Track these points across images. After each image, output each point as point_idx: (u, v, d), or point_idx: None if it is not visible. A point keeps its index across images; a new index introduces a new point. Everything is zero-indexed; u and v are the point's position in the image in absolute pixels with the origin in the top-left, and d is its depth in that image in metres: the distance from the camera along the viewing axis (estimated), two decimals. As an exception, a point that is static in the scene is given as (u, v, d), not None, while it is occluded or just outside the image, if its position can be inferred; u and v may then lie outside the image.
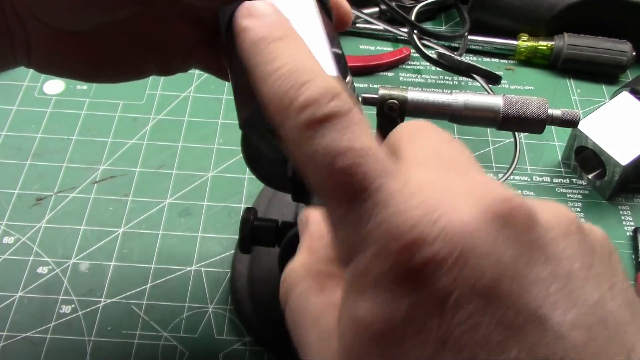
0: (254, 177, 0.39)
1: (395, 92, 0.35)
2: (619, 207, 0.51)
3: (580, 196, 0.52)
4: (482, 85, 0.56)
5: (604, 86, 0.60)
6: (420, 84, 0.60)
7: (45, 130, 0.54)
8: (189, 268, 0.46)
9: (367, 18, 0.61)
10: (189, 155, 0.53)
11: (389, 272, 0.16)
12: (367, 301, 0.17)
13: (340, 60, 0.25)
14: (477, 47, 0.63)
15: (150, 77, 0.59)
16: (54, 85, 0.57)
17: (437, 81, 0.60)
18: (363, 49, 0.63)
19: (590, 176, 0.52)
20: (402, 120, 0.36)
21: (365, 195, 0.17)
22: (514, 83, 0.60)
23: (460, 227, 0.16)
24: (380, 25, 0.62)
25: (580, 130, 0.50)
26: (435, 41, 0.59)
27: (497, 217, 0.16)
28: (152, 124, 0.55)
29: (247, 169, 0.38)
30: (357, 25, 0.63)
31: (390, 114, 0.36)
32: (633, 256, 0.48)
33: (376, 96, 0.35)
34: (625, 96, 0.52)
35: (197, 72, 0.59)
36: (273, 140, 0.26)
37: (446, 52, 0.57)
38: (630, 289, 0.18)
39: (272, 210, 0.46)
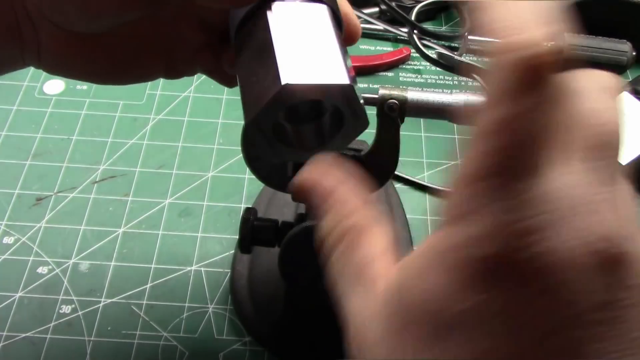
0: (254, 177, 0.39)
1: (395, 92, 0.35)
2: (619, 207, 0.51)
3: (580, 196, 0.52)
4: (482, 85, 0.56)
5: (604, 86, 0.60)
6: (420, 84, 0.60)
7: (45, 130, 0.54)
8: (189, 268, 0.46)
9: (367, 18, 0.61)
10: (189, 155, 0.53)
11: (486, 259, 0.16)
12: (441, 275, 0.17)
13: (350, 71, 0.25)
14: (477, 47, 0.63)
15: (150, 77, 0.59)
16: (54, 85, 0.57)
17: (437, 81, 0.60)
18: (363, 49, 0.63)
19: (590, 176, 0.52)
20: (402, 121, 0.36)
21: (507, 176, 0.17)
22: (514, 83, 0.60)
23: (561, 256, 0.16)
24: (380, 25, 0.62)
25: (580, 130, 0.50)
26: (435, 41, 0.59)
27: (600, 256, 0.16)
28: (152, 124, 0.55)
29: (247, 169, 0.38)
30: (357, 25, 0.63)
31: (390, 114, 0.35)
32: (633, 256, 0.48)
33: (376, 96, 0.35)
34: (625, 96, 0.52)
35: (197, 72, 0.59)
36: (276, 145, 0.26)
37: (446, 52, 0.57)
38: None
39: (272, 210, 0.46)
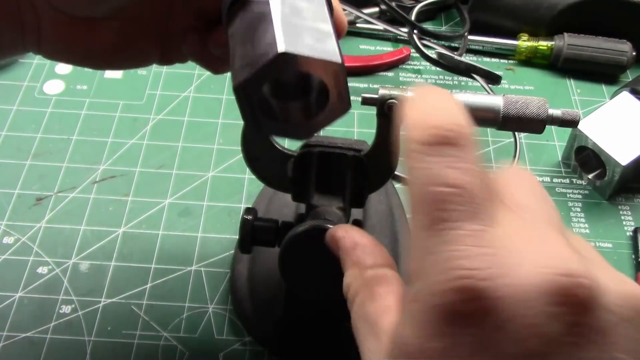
0: (254, 177, 0.39)
1: (395, 92, 0.35)
2: (619, 207, 0.51)
3: (580, 196, 0.52)
4: (482, 85, 0.56)
5: (604, 86, 0.60)
6: (420, 84, 0.60)
7: (45, 130, 0.54)
8: (189, 268, 0.46)
9: (367, 18, 0.61)
10: (189, 155, 0.53)
11: (438, 307, 0.18)
12: (414, 326, 0.18)
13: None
14: (477, 47, 0.63)
15: (150, 77, 0.59)
16: (54, 85, 0.57)
17: (437, 81, 0.60)
18: (363, 49, 0.63)
19: (590, 176, 0.52)
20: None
21: (446, 226, 0.18)
22: (514, 83, 0.60)
23: (514, 292, 0.17)
24: (380, 25, 0.62)
25: (580, 130, 0.50)
26: (435, 41, 0.59)
27: (554, 292, 0.17)
28: (152, 124, 0.55)
29: (247, 169, 0.38)
30: (357, 25, 0.63)
31: (390, 114, 0.35)
32: (633, 256, 0.48)
33: (376, 96, 0.35)
34: (625, 96, 0.52)
35: (197, 72, 0.59)
36: (261, 117, 0.26)
37: (446, 52, 0.57)
38: None
39: (272, 210, 0.46)
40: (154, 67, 0.59)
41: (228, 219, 0.49)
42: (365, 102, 0.36)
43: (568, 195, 0.52)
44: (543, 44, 0.61)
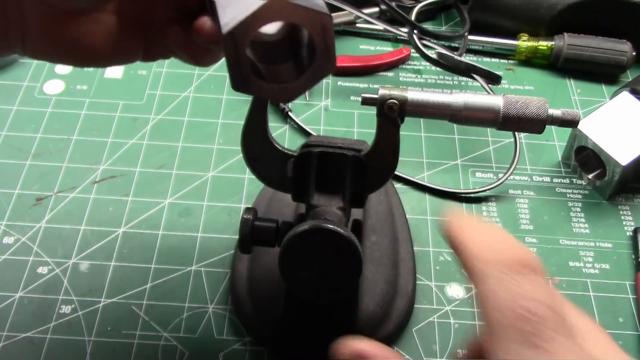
0: (254, 177, 0.39)
1: (395, 92, 0.35)
2: (619, 207, 0.51)
3: (580, 196, 0.52)
4: (482, 85, 0.56)
5: (604, 86, 0.60)
6: (420, 84, 0.60)
7: (45, 130, 0.54)
8: (189, 268, 0.46)
9: (367, 18, 0.61)
10: (189, 155, 0.53)
11: None
12: None
13: None
14: (477, 47, 0.63)
15: (150, 77, 0.59)
16: (54, 85, 0.57)
17: (437, 81, 0.60)
18: (363, 49, 0.63)
19: (590, 176, 0.52)
20: (402, 121, 0.36)
21: (545, 337, 0.21)
22: (514, 83, 0.60)
23: None
24: (380, 25, 0.62)
25: (580, 130, 0.50)
26: (435, 41, 0.59)
27: None
28: (152, 124, 0.55)
29: (247, 169, 0.38)
30: (357, 25, 0.63)
31: (390, 114, 0.35)
32: (633, 256, 0.48)
33: (376, 96, 0.35)
34: (625, 96, 0.52)
35: (197, 72, 0.59)
36: (248, 73, 0.27)
37: (446, 52, 0.57)
38: None
39: (272, 210, 0.46)
40: (154, 67, 0.59)
41: (228, 219, 0.49)
42: (365, 102, 0.36)
43: (568, 195, 0.52)
44: (543, 44, 0.61)
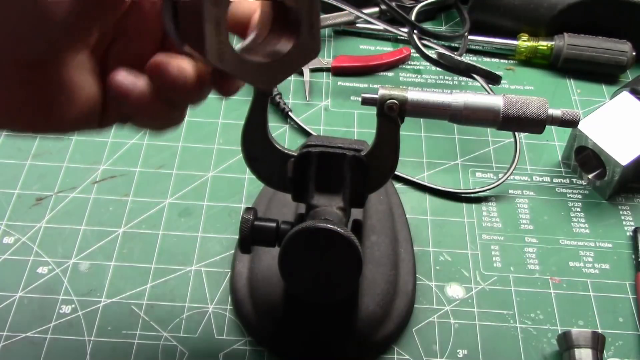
0: (254, 177, 0.39)
1: (395, 92, 0.35)
2: (619, 207, 0.51)
3: (580, 196, 0.52)
4: (482, 85, 0.56)
5: (604, 86, 0.60)
6: (420, 84, 0.60)
7: (45, 130, 0.54)
8: (189, 268, 0.46)
9: (367, 18, 0.61)
10: (189, 155, 0.53)
11: None
12: None
13: None
14: (477, 47, 0.63)
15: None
16: (54, 85, 0.57)
17: (437, 81, 0.60)
18: (363, 49, 0.63)
19: (590, 176, 0.52)
20: (402, 121, 0.36)
21: None
22: (514, 83, 0.60)
23: None
24: (380, 25, 0.62)
25: (580, 130, 0.50)
26: (435, 41, 0.59)
27: None
28: (152, 124, 0.54)
29: (247, 169, 0.38)
30: (357, 25, 0.63)
31: (390, 114, 0.35)
32: (633, 256, 0.48)
33: (376, 96, 0.35)
34: (625, 96, 0.52)
35: (197, 72, 0.59)
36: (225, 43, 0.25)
37: (446, 52, 0.57)
38: None
39: (272, 210, 0.46)
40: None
41: (228, 219, 0.49)
42: (365, 102, 0.36)
43: (568, 195, 0.52)
44: (543, 44, 0.61)
